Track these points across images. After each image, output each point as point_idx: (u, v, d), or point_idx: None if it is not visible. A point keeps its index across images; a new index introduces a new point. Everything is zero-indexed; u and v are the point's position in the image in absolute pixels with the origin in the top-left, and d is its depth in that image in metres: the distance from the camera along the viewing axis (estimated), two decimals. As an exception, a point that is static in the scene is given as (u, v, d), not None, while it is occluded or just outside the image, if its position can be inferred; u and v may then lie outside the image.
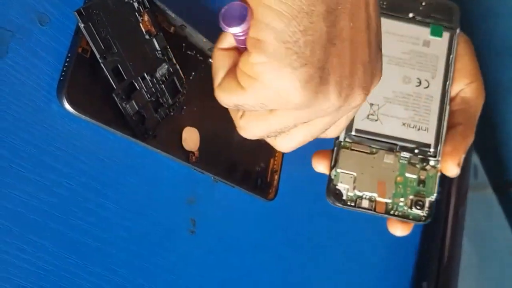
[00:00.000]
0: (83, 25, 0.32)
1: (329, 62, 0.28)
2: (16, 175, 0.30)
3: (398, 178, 0.42)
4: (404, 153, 0.43)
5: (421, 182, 0.42)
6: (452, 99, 0.44)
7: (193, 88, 0.41)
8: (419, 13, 0.45)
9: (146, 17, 0.37)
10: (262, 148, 0.47)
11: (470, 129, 0.44)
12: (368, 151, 0.42)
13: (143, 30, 0.37)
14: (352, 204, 0.42)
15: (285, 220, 0.50)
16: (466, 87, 0.44)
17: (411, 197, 0.42)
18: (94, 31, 0.33)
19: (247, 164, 0.46)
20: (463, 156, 0.43)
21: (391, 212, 0.42)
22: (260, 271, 0.48)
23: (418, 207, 0.41)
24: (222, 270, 0.44)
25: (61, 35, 0.33)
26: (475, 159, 0.81)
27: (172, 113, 0.39)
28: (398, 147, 0.42)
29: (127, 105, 0.35)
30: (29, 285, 0.31)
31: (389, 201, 0.42)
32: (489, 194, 0.85)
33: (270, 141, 0.33)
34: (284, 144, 0.32)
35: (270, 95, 0.28)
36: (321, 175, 0.54)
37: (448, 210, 0.71)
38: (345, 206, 0.42)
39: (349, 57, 0.28)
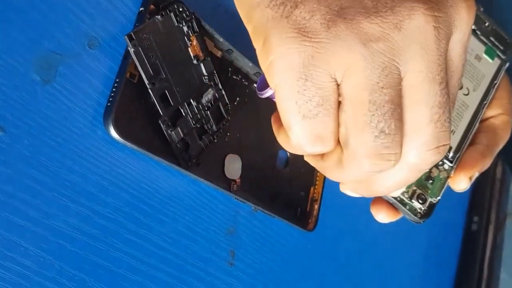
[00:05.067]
0: (133, 49, 0.31)
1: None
2: (58, 205, 0.29)
3: None
4: None
5: (429, 178, 0.40)
6: (481, 121, 0.43)
7: (237, 114, 0.40)
8: (480, 30, 0.44)
9: (195, 42, 0.35)
10: (302, 176, 0.46)
11: (490, 153, 0.43)
12: None
13: (191, 54, 0.35)
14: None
15: (325, 251, 0.49)
16: (498, 116, 0.45)
17: (414, 187, 0.40)
18: (144, 56, 0.32)
19: (287, 193, 0.44)
20: (476, 173, 0.41)
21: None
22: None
23: (420, 201, 0.39)
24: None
25: (110, 59, 0.32)
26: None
27: (215, 140, 0.38)
28: None
29: (173, 132, 0.34)
30: (67, 320, 0.29)
31: None
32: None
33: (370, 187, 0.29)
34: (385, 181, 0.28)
35: None
36: (362, 204, 0.52)
37: (486, 239, 0.69)
38: None
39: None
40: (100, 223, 0.31)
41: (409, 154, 0.26)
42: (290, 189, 0.44)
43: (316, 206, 0.46)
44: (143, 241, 0.33)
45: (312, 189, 0.46)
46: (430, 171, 0.40)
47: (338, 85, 0.25)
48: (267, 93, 0.30)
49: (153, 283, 0.34)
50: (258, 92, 0.30)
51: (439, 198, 0.40)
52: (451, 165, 0.40)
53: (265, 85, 0.30)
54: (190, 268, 0.36)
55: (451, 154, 0.40)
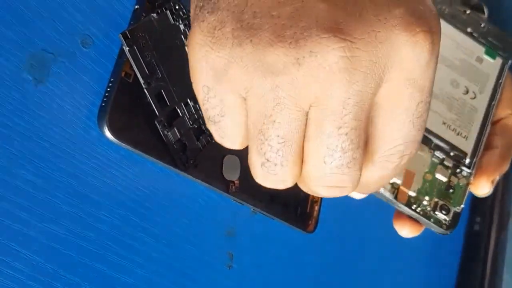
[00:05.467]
0: (127, 48, 0.30)
1: None
2: (52, 208, 0.28)
3: (427, 175, 0.40)
4: (439, 152, 0.40)
5: (450, 187, 0.39)
6: (493, 123, 0.43)
7: (235, 114, 0.39)
8: (477, 32, 0.44)
9: (191, 40, 0.35)
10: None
11: (508, 155, 0.43)
12: None
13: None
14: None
15: (325, 253, 0.48)
16: (509, 117, 0.44)
17: (436, 199, 0.39)
18: (139, 55, 0.31)
19: (286, 194, 0.43)
20: (497, 177, 0.41)
21: (413, 207, 0.39)
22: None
23: (444, 212, 0.39)
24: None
25: (104, 58, 0.31)
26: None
27: (213, 141, 0.37)
28: (433, 144, 0.40)
29: (169, 133, 0.33)
30: (61, 325, 0.29)
31: (413, 194, 0.39)
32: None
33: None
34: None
35: None
36: (363, 206, 0.51)
37: (489, 239, 0.69)
38: None
39: None
40: (95, 226, 0.30)
41: (305, 180, 0.25)
42: (289, 189, 0.44)
43: (316, 208, 0.45)
44: (139, 244, 0.33)
45: (312, 190, 0.45)
46: (449, 180, 0.40)
47: (243, 98, 0.24)
48: None
49: (149, 286, 0.33)
50: None
51: (462, 206, 0.39)
52: (469, 171, 0.40)
53: None
54: (188, 271, 0.36)
55: (467, 160, 0.40)
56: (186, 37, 0.34)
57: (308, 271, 0.46)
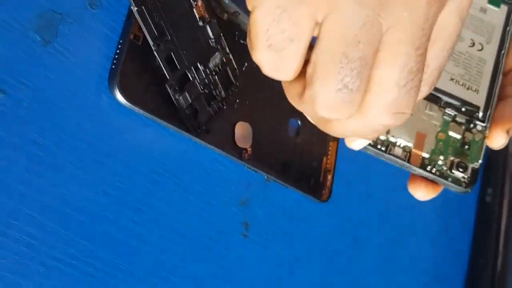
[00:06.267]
0: (136, 8, 0.29)
1: None
2: (64, 172, 0.28)
3: (440, 135, 0.38)
4: (449, 109, 0.39)
5: (465, 144, 0.38)
6: (505, 74, 0.42)
7: (245, 80, 0.38)
8: None
9: (199, 2, 0.34)
10: (314, 146, 0.44)
11: None
12: None
13: (197, 16, 0.34)
14: (383, 148, 0.37)
15: (339, 222, 0.47)
16: None
17: (451, 158, 0.38)
18: (147, 16, 0.30)
19: (299, 162, 0.43)
20: None
21: (428, 168, 0.38)
22: (315, 275, 0.45)
23: (460, 169, 0.37)
24: (275, 275, 0.41)
25: (112, 20, 0.30)
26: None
27: (225, 107, 0.36)
28: (442, 102, 0.39)
29: (180, 97, 0.32)
30: (77, 292, 0.28)
31: (426, 155, 0.38)
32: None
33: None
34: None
35: None
36: (376, 175, 0.51)
37: (501, 211, 0.68)
38: (374, 150, 0.37)
39: None
40: (107, 191, 0.29)
41: (366, 110, 0.25)
42: (302, 158, 0.43)
43: (329, 177, 0.44)
44: (153, 212, 0.32)
45: (324, 159, 0.45)
46: (463, 136, 0.38)
47: (316, 23, 0.24)
48: None
49: (164, 254, 0.32)
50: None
51: (480, 161, 0.38)
52: (484, 124, 0.38)
53: None
54: (203, 239, 0.35)
55: (481, 114, 0.39)
56: (194, -1, 0.33)
57: (322, 240, 0.45)
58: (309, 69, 0.24)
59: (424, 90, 0.26)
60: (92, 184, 0.29)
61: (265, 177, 0.39)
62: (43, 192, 0.27)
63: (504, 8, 0.42)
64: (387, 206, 0.53)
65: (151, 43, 0.30)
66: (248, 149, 0.38)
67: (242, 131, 0.38)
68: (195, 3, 0.34)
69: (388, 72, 0.24)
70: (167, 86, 0.31)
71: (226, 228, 0.36)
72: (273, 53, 0.24)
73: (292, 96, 0.27)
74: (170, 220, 0.33)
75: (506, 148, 0.78)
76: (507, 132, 0.38)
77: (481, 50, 0.40)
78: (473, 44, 0.40)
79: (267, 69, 0.25)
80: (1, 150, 0.26)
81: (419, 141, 0.38)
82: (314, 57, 0.24)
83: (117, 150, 0.30)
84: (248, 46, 0.27)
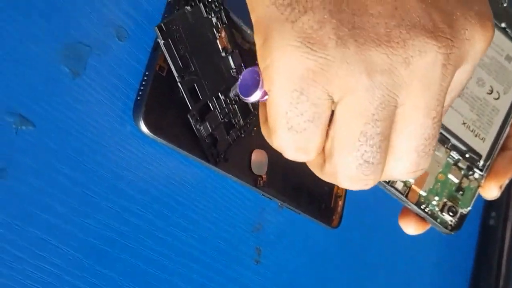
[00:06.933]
0: (163, 41, 0.30)
1: None
2: (88, 202, 0.28)
3: (440, 176, 0.39)
4: (454, 152, 0.40)
5: (460, 189, 0.39)
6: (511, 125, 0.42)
7: (263, 108, 0.39)
8: (511, 28, 0.42)
9: (223, 33, 0.34)
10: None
11: None
12: None
13: (220, 47, 0.34)
14: (386, 180, 0.38)
15: (349, 248, 0.48)
16: None
17: (445, 200, 0.39)
18: (173, 48, 0.31)
19: (311, 188, 0.43)
20: (506, 181, 0.40)
21: (422, 207, 0.39)
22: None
23: (451, 213, 0.38)
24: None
25: (138, 51, 0.31)
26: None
27: (243, 135, 0.37)
28: (450, 143, 0.40)
29: (201, 127, 0.33)
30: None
31: (423, 193, 0.39)
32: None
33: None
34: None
35: None
36: (386, 202, 0.51)
37: (505, 234, 0.68)
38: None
39: None
40: (129, 220, 0.30)
41: (387, 175, 0.26)
42: (314, 184, 0.43)
43: (340, 203, 0.45)
44: (171, 239, 0.32)
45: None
46: (460, 182, 0.39)
47: (333, 102, 0.24)
48: (254, 98, 0.26)
49: (180, 280, 0.33)
50: (243, 97, 0.27)
51: (469, 208, 0.39)
52: (481, 173, 0.39)
53: (251, 89, 0.26)
54: (217, 265, 0.36)
55: (481, 163, 0.39)
56: (218, 31, 0.34)
57: (333, 265, 0.46)
58: (328, 144, 0.25)
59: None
60: (114, 212, 0.29)
61: (279, 203, 0.40)
62: (68, 222, 0.27)
63: None
64: (396, 230, 0.53)
65: (176, 75, 0.31)
66: (263, 176, 0.38)
67: (258, 159, 0.38)
68: (219, 34, 0.34)
69: (406, 141, 0.24)
70: (189, 116, 0.32)
71: (239, 254, 0.37)
72: (295, 135, 0.24)
73: (313, 167, 0.27)
74: (187, 247, 0.33)
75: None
76: (500, 187, 0.39)
77: (497, 99, 0.41)
78: (491, 92, 0.41)
79: (290, 152, 0.25)
80: (32, 180, 0.26)
81: (421, 179, 0.39)
82: (331, 133, 0.24)
83: (138, 178, 0.31)
84: (265, 133, 0.28)
